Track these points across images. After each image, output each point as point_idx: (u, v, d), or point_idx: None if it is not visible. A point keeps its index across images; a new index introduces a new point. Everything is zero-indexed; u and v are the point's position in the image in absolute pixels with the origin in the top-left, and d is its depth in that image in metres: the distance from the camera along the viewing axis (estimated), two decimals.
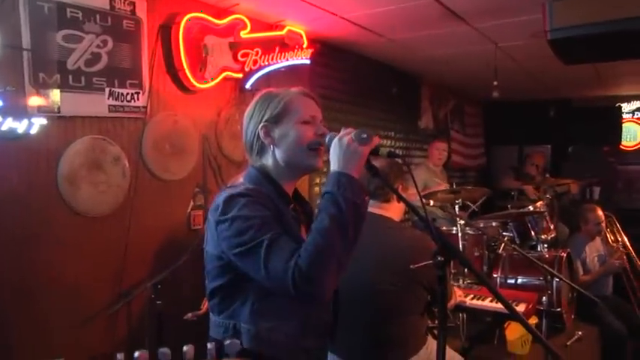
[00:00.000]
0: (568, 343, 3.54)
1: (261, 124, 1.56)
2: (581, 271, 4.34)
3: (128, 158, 2.95)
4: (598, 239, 4.61)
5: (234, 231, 1.40)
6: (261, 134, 1.56)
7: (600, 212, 4.54)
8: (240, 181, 1.57)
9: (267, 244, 1.35)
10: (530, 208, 4.47)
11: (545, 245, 4.26)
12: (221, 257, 1.48)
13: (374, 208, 2.41)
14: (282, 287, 1.33)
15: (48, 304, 2.61)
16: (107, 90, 2.81)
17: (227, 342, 1.23)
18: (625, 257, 4.68)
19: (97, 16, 2.75)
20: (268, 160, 1.58)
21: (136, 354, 1.12)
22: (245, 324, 1.48)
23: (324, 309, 1.59)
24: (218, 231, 1.45)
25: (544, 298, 3.25)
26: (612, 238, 5.05)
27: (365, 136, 1.43)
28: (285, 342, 1.50)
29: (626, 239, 5.04)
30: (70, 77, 2.64)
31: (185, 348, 1.15)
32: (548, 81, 6.34)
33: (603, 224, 4.62)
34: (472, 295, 3.07)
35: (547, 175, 6.13)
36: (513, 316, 1.30)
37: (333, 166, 1.44)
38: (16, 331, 2.49)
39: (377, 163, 1.67)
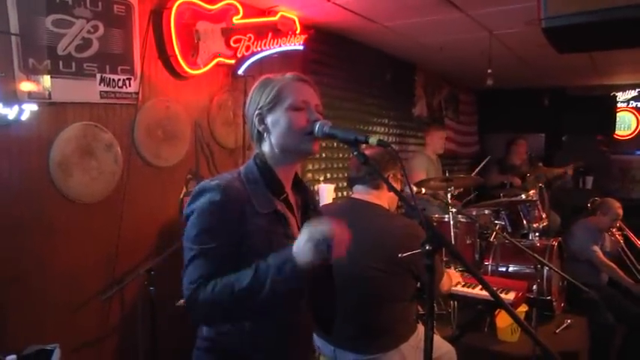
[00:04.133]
0: (557, 331, 3.59)
1: (256, 112, 1.58)
2: (602, 256, 4.37)
3: (120, 145, 2.96)
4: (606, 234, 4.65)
5: (189, 223, 1.47)
6: (256, 122, 1.58)
7: (622, 212, 4.56)
8: (238, 169, 1.59)
9: (193, 255, 1.42)
10: (523, 196, 4.50)
11: (537, 234, 4.30)
12: None
13: (363, 194, 2.43)
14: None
15: (41, 291, 2.62)
16: (98, 76, 2.81)
17: None
18: (622, 239, 4.72)
19: (88, 1, 2.74)
20: (265, 147, 1.60)
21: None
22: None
23: (289, 309, 1.56)
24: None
25: (534, 286, 3.28)
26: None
27: (322, 249, 1.32)
28: (246, 337, 1.51)
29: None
30: (61, 63, 2.63)
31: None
32: (542, 69, 6.36)
33: (619, 224, 4.65)
34: (463, 283, 3.11)
35: (540, 165, 6.13)
36: (500, 304, 1.32)
37: (295, 244, 1.36)
38: (9, 318, 2.50)
39: (368, 151, 1.69)
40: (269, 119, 1.57)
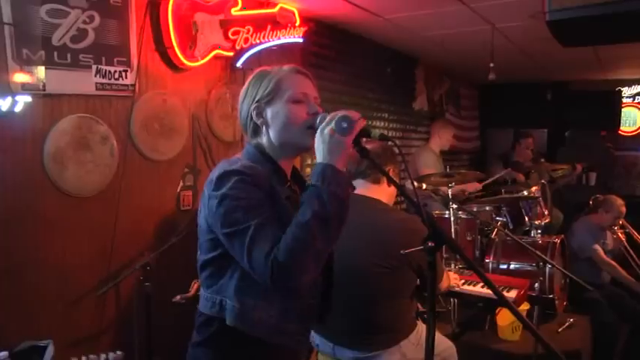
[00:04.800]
0: (559, 330, 3.59)
1: (253, 105, 1.57)
2: (602, 254, 4.36)
3: (116, 137, 2.94)
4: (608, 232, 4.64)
5: (223, 210, 1.42)
6: (254, 115, 1.57)
7: (624, 209, 4.55)
8: (238, 158, 1.57)
9: (252, 232, 1.37)
10: (525, 192, 4.49)
11: (539, 231, 4.29)
12: (212, 230, 1.50)
13: (362, 189, 2.42)
14: (261, 279, 1.37)
15: (35, 285, 2.61)
16: (94, 67, 2.78)
17: None
18: (625, 237, 4.72)
19: None
20: (263, 140, 1.59)
21: None
22: (230, 300, 1.50)
23: (309, 293, 1.59)
24: (209, 205, 1.47)
25: (536, 284, 3.28)
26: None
27: (345, 125, 1.40)
28: (267, 323, 1.51)
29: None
30: (56, 54, 2.61)
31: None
32: (546, 63, 6.33)
33: (621, 222, 4.64)
34: (464, 281, 3.10)
35: (542, 160, 6.13)
36: (502, 302, 1.31)
37: (318, 157, 1.44)
38: (2, 312, 2.49)
39: (369, 145, 1.68)
40: (268, 112, 1.56)
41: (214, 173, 1.48)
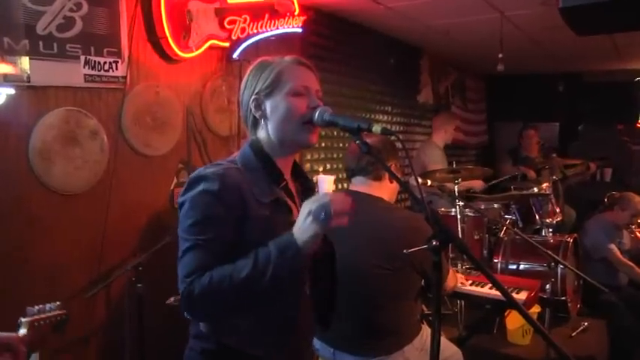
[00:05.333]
0: (573, 334, 3.58)
1: (253, 97, 1.57)
2: (618, 254, 4.34)
3: (106, 132, 2.93)
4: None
5: (181, 214, 1.47)
6: (252, 107, 1.57)
7: None
8: (234, 156, 1.59)
9: (188, 246, 1.41)
10: (535, 189, 4.48)
11: (550, 230, 4.28)
12: None
13: (363, 186, 2.41)
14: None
15: (20, 286, 2.60)
16: (82, 58, 2.77)
17: None
18: None
19: None
20: (262, 134, 1.59)
21: None
22: None
23: (288, 305, 1.56)
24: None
25: (547, 285, 3.27)
26: None
27: (322, 216, 1.36)
28: (243, 331, 1.50)
29: None
30: (41, 43, 2.59)
31: None
32: (558, 53, 6.29)
33: (639, 220, 4.62)
34: (471, 281, 3.09)
35: (554, 155, 6.10)
36: (511, 304, 1.31)
37: (294, 228, 1.40)
38: None
39: (370, 140, 1.68)
40: (267, 105, 1.55)
41: (191, 174, 1.50)
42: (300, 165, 1.74)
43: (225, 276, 1.35)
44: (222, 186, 1.43)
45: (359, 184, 2.44)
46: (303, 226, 1.37)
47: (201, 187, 1.43)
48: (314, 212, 1.36)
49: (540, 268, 3.66)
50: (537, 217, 4.36)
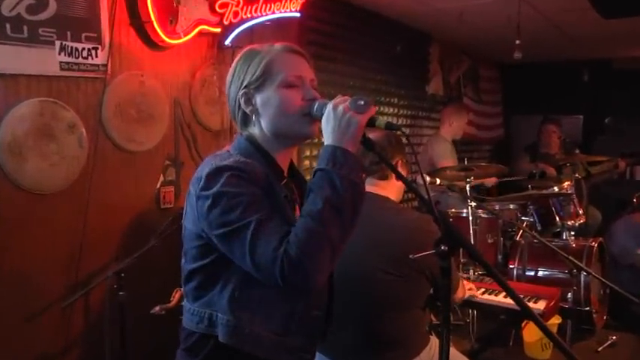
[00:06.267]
0: (599, 350, 3.56)
1: (241, 91, 1.56)
2: None
3: (85, 125, 2.92)
4: None
5: (218, 210, 1.40)
6: (242, 102, 1.56)
7: None
8: (228, 151, 1.57)
9: (254, 227, 1.35)
10: (555, 188, 4.47)
11: (572, 233, 4.27)
12: (201, 236, 1.49)
13: (368, 185, 2.40)
14: (269, 278, 1.35)
15: None
16: (58, 43, 2.76)
17: None
18: None
19: None
20: (255, 130, 1.59)
21: None
22: (223, 314, 1.49)
23: (314, 304, 1.59)
24: (198, 206, 1.45)
25: (569, 294, 3.26)
26: None
27: (362, 102, 1.41)
28: (267, 338, 1.50)
29: None
30: (8, 26, 2.57)
31: None
32: (582, 38, 6.26)
33: None
34: (484, 289, 3.08)
35: (577, 151, 6.08)
36: (527, 314, 1.31)
37: (327, 139, 1.44)
38: None
39: (373, 135, 1.67)
40: (257, 99, 1.55)
41: (203, 170, 1.46)
42: (297, 165, 1.74)
43: (306, 221, 1.35)
44: (250, 170, 1.44)
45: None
46: (341, 126, 1.41)
47: (228, 174, 1.41)
48: (351, 104, 1.42)
49: (561, 275, 3.65)
50: (558, 218, 4.34)
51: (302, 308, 1.55)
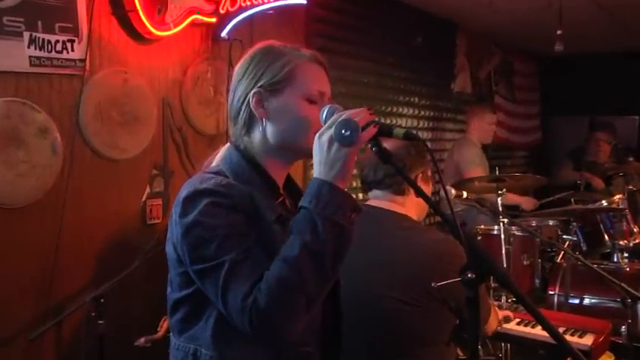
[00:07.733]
0: None
1: (254, 89, 1.57)
2: None
3: (60, 129, 2.94)
4: None
5: (192, 241, 1.45)
6: (252, 102, 1.57)
7: None
8: (217, 166, 1.59)
9: (227, 269, 1.39)
10: (604, 202, 4.44)
11: (626, 254, 4.23)
12: (182, 261, 1.51)
13: (383, 201, 2.40)
14: (239, 326, 1.39)
15: None
16: (26, 35, 2.78)
17: None
18: None
19: None
20: (255, 137, 1.60)
21: None
22: (207, 350, 1.51)
23: (303, 340, 1.58)
24: (175, 233, 1.49)
25: (623, 327, 3.22)
26: None
27: (347, 133, 1.38)
28: None
29: None
30: None
31: None
32: (636, 26, 6.23)
33: None
34: (519, 319, 3.06)
35: (630, 159, 6.03)
36: (566, 351, 1.28)
37: (314, 171, 1.46)
38: None
39: (389, 144, 1.67)
40: (272, 102, 1.56)
41: (182, 193, 1.50)
42: (303, 174, 1.75)
43: (280, 268, 1.37)
44: (232, 195, 1.46)
45: (376, 199, 2.43)
46: (326, 160, 1.41)
47: (206, 201, 1.44)
48: (335, 133, 1.38)
49: (612, 304, 3.60)
50: (607, 237, 4.30)
51: (288, 347, 1.55)
